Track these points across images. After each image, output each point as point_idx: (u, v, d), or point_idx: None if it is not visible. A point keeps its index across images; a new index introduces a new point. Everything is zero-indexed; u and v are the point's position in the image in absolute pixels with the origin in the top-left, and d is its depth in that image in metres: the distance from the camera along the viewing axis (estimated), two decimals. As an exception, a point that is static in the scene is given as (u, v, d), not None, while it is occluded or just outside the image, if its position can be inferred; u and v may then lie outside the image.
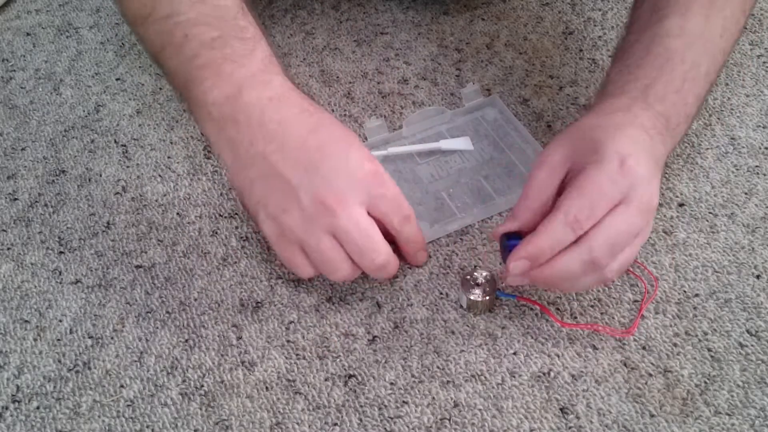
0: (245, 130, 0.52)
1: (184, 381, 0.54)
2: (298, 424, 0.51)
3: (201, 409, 0.53)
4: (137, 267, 0.61)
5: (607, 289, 0.58)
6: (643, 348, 0.54)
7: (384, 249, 0.52)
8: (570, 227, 0.47)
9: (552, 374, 0.53)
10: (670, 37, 0.55)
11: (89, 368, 0.55)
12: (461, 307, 0.57)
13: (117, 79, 0.78)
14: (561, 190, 0.51)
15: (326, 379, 0.54)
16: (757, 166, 0.66)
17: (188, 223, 0.64)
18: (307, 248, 0.52)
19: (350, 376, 0.54)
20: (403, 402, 0.52)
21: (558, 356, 0.54)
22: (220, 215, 0.64)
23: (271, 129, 0.51)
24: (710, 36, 0.57)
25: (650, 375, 0.53)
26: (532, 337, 0.55)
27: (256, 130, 0.52)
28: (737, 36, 0.60)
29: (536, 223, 0.50)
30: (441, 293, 0.58)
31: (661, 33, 0.56)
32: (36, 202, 0.66)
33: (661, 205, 0.63)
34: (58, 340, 0.57)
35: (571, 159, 0.51)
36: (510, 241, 0.51)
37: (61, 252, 0.62)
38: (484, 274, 0.57)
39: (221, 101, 0.52)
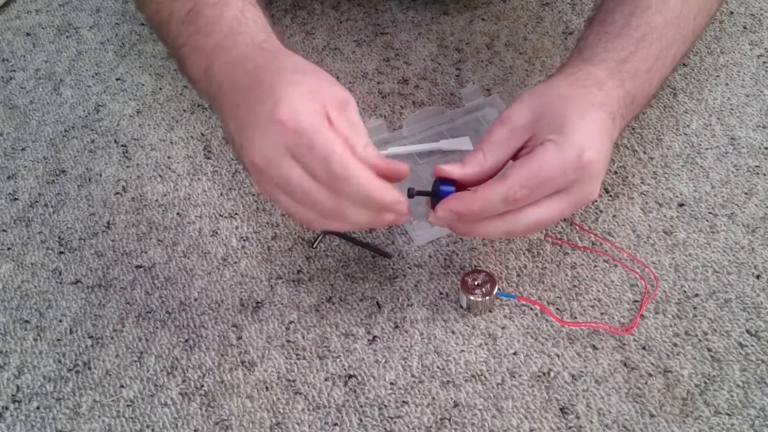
0: (218, 104, 0.52)
1: (184, 381, 0.54)
2: (298, 424, 0.51)
3: (201, 409, 0.53)
4: (137, 267, 0.61)
5: (607, 289, 0.58)
6: (643, 348, 0.54)
7: (328, 197, 0.46)
8: (507, 203, 0.47)
9: (552, 374, 0.53)
10: (651, 10, 0.55)
11: (89, 368, 0.55)
12: (461, 307, 0.57)
13: (117, 79, 0.78)
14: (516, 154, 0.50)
15: (326, 379, 0.54)
16: (757, 166, 0.66)
17: (188, 223, 0.64)
18: (281, 207, 0.49)
19: (350, 376, 0.54)
20: (403, 402, 0.52)
21: (558, 356, 0.54)
22: (220, 215, 0.64)
23: (226, 94, 0.50)
24: (686, 16, 0.57)
25: (650, 375, 0.53)
26: (532, 337, 0.55)
27: (220, 100, 0.51)
28: (708, 22, 0.60)
29: (480, 181, 0.49)
30: (441, 293, 0.58)
31: (643, 5, 0.55)
32: (36, 202, 0.66)
33: (660, 205, 0.63)
34: (58, 340, 0.57)
35: (534, 127, 0.49)
36: (443, 186, 0.50)
37: (61, 252, 0.62)
38: (484, 274, 0.57)
39: (202, 77, 0.52)
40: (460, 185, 0.50)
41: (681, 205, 0.63)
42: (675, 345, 0.54)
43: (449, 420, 0.51)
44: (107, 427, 0.52)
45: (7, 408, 0.53)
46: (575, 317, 0.56)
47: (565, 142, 0.47)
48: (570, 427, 0.51)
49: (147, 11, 0.58)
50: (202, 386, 0.54)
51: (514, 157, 0.51)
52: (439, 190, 0.50)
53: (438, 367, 0.54)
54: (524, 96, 0.51)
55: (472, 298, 0.55)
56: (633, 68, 0.54)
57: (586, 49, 0.55)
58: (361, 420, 0.51)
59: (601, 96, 0.51)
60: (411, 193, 0.50)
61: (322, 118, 0.46)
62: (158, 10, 0.55)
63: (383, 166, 0.47)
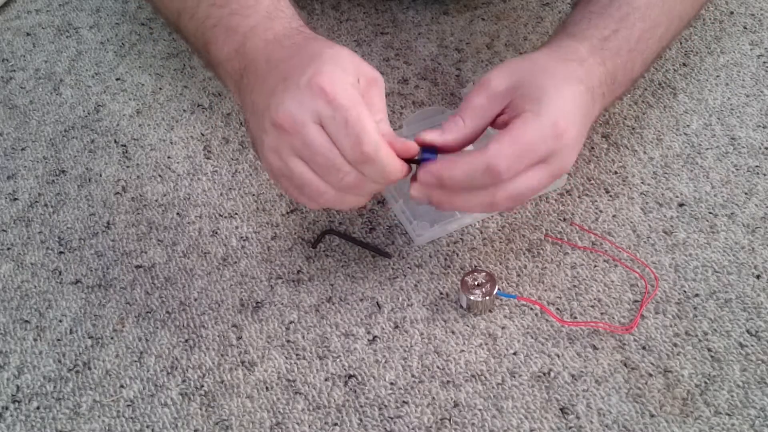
0: (247, 79, 0.52)
1: (184, 381, 0.54)
2: (298, 424, 0.51)
3: (201, 409, 0.53)
4: (137, 267, 0.61)
5: (607, 289, 0.58)
6: (643, 348, 0.54)
7: (349, 168, 0.47)
8: (491, 175, 0.47)
9: (552, 374, 0.53)
10: None
11: (89, 368, 0.55)
12: (461, 307, 0.57)
13: (117, 79, 0.78)
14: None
15: (326, 379, 0.54)
16: (757, 166, 0.66)
17: (188, 223, 0.64)
18: (289, 179, 0.49)
19: (350, 376, 0.54)
20: (403, 402, 0.52)
21: (558, 356, 0.54)
22: (220, 215, 0.64)
23: (259, 68, 0.51)
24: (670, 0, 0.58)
25: (650, 375, 0.53)
26: (532, 337, 0.55)
27: (251, 75, 0.51)
28: (698, 6, 0.61)
29: (460, 146, 0.50)
30: (441, 293, 0.58)
31: None
32: (36, 202, 0.66)
33: (660, 205, 0.63)
34: (58, 340, 0.57)
35: (512, 94, 0.49)
36: (425, 153, 0.49)
37: (61, 252, 0.62)
38: (484, 274, 0.57)
39: (232, 55, 0.53)
40: (442, 152, 0.50)
41: (681, 205, 0.63)
42: (675, 345, 0.54)
43: (449, 420, 0.51)
44: (107, 427, 0.52)
45: (7, 408, 0.53)
46: (575, 317, 0.56)
47: (542, 112, 0.48)
48: (570, 427, 0.50)
49: None
50: (202, 386, 0.54)
51: (492, 123, 0.51)
52: (422, 156, 0.49)
53: (438, 367, 0.54)
54: (504, 64, 0.52)
55: (472, 298, 0.55)
56: (615, 47, 0.54)
57: (571, 25, 0.56)
58: (361, 420, 0.51)
59: (581, 71, 0.51)
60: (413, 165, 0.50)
61: (358, 93, 0.46)
62: None
63: (397, 145, 0.48)
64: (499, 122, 0.51)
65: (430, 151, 0.50)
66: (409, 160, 0.49)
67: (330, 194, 0.48)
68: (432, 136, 0.49)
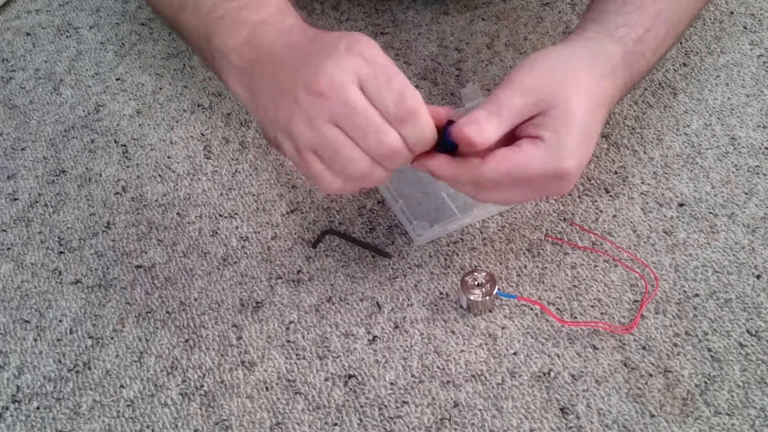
0: (261, 66, 0.51)
1: (184, 381, 0.54)
2: (298, 424, 0.51)
3: (201, 409, 0.53)
4: (137, 267, 0.61)
5: (607, 289, 0.58)
6: (643, 348, 0.54)
7: (390, 130, 0.46)
8: (476, 187, 0.49)
9: (552, 374, 0.53)
10: None
11: (89, 368, 0.55)
12: (461, 307, 0.57)
13: (117, 79, 0.78)
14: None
15: (326, 379, 0.54)
16: (757, 166, 0.66)
17: (188, 223, 0.64)
18: (320, 150, 0.47)
19: (350, 376, 0.54)
20: (403, 402, 0.52)
21: (558, 356, 0.54)
22: (220, 215, 0.64)
23: (277, 54, 0.51)
24: None
25: (650, 375, 0.53)
26: (532, 337, 0.55)
27: (267, 63, 0.51)
28: (700, 9, 0.61)
29: (491, 140, 0.48)
30: (441, 293, 0.58)
31: None
32: (36, 202, 0.66)
33: (660, 205, 0.63)
34: (58, 340, 0.57)
35: (541, 109, 0.49)
36: (447, 138, 0.48)
37: (61, 252, 0.62)
38: (484, 274, 0.57)
39: (240, 45, 0.53)
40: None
41: (681, 205, 0.63)
42: (675, 345, 0.54)
43: (449, 420, 0.51)
44: (107, 427, 0.52)
45: (7, 408, 0.53)
46: (575, 317, 0.56)
47: (556, 149, 0.48)
48: (570, 427, 0.50)
49: None
50: (202, 386, 0.54)
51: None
52: (444, 141, 0.49)
53: (438, 367, 0.54)
54: (544, 65, 0.50)
55: (472, 298, 0.55)
56: (644, 48, 0.54)
57: (606, 16, 0.54)
58: (361, 420, 0.51)
59: (610, 89, 0.51)
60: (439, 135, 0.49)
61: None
62: None
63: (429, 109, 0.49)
64: (520, 129, 0.50)
65: (450, 138, 0.49)
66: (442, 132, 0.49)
67: (362, 163, 0.47)
68: (474, 134, 0.48)
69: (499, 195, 0.50)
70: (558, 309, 0.57)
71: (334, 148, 0.47)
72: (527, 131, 0.49)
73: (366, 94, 0.46)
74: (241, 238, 0.63)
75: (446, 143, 0.49)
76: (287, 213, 0.64)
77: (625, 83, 0.53)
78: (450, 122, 0.49)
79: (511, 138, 0.50)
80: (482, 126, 0.48)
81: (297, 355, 0.55)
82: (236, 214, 0.64)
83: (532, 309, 0.57)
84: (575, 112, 0.49)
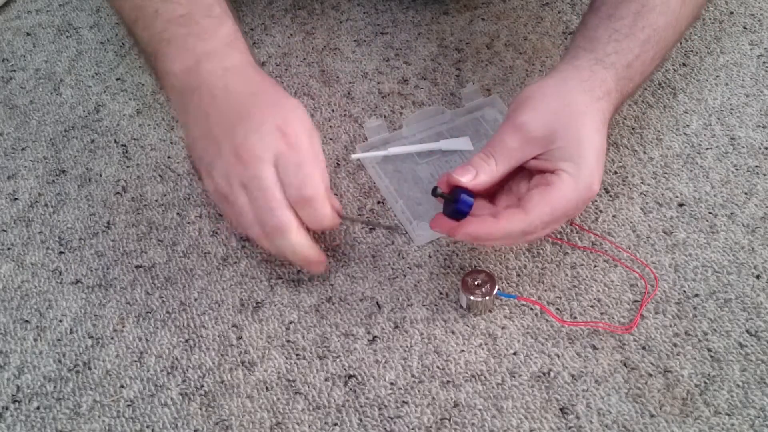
0: (198, 98, 0.54)
1: (184, 381, 0.54)
2: (298, 424, 0.52)
3: (201, 409, 0.53)
4: (137, 267, 0.61)
5: (607, 289, 0.58)
6: (643, 348, 0.54)
7: (284, 213, 0.51)
8: (526, 234, 0.50)
9: (552, 374, 0.53)
10: (656, 12, 0.56)
11: (89, 368, 0.55)
12: (461, 307, 0.57)
13: (117, 79, 0.78)
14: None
15: (326, 379, 0.54)
16: (757, 166, 0.66)
17: (188, 223, 0.64)
18: (228, 202, 0.52)
19: (350, 376, 0.54)
20: (403, 402, 0.52)
21: (558, 356, 0.54)
22: (220, 215, 0.64)
23: (217, 93, 0.53)
24: (684, 15, 0.58)
25: (650, 375, 0.53)
26: (532, 337, 0.55)
27: (205, 96, 0.53)
28: (691, 23, 0.62)
29: (489, 188, 0.51)
30: (441, 293, 0.58)
31: (649, 5, 0.56)
32: (36, 202, 0.66)
33: (660, 205, 0.63)
34: (58, 340, 0.57)
35: (549, 144, 0.50)
36: (463, 196, 0.50)
37: (61, 252, 0.62)
38: (484, 274, 0.57)
39: (182, 72, 0.54)
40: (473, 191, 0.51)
41: (681, 205, 0.63)
42: (675, 345, 0.54)
43: (449, 420, 0.51)
44: (107, 427, 0.52)
45: (7, 408, 0.53)
46: (575, 317, 0.56)
47: (581, 175, 0.50)
48: (570, 427, 0.51)
49: (125, 0, 0.59)
50: (202, 386, 0.54)
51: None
52: (460, 197, 0.50)
53: (438, 367, 0.54)
54: (538, 100, 0.51)
55: (472, 298, 0.55)
56: (632, 73, 0.55)
57: (597, 43, 0.55)
58: (361, 420, 0.52)
59: (607, 109, 0.53)
60: (435, 193, 0.51)
61: (316, 146, 0.52)
62: (141, 5, 0.57)
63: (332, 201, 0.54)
64: (530, 165, 0.51)
65: (465, 191, 0.50)
66: (446, 196, 0.51)
67: (255, 230, 0.52)
68: (466, 179, 0.51)
69: (538, 235, 0.51)
70: (558, 309, 0.57)
71: (238, 208, 0.52)
72: (542, 166, 0.51)
73: (278, 172, 0.50)
74: (241, 238, 0.63)
75: (458, 209, 0.50)
76: (287, 213, 0.64)
77: (618, 103, 0.55)
78: (459, 188, 0.51)
79: (525, 175, 0.52)
80: (477, 171, 0.51)
81: (297, 355, 0.55)
82: (236, 214, 0.64)
83: (532, 309, 0.57)
84: (582, 136, 0.50)
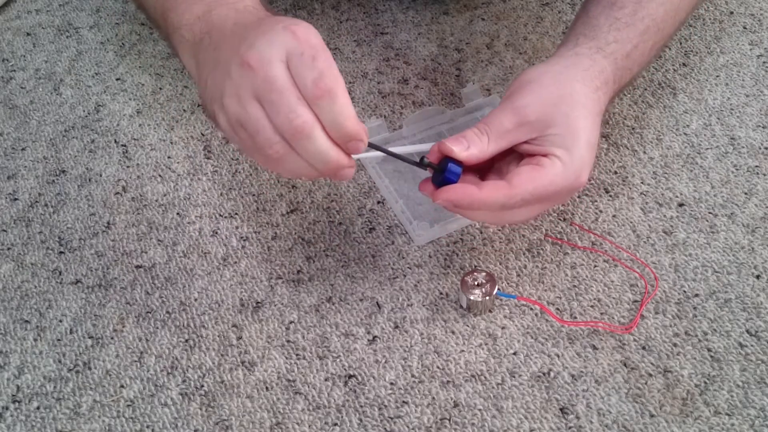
0: (209, 39, 0.52)
1: (184, 381, 0.54)
2: (298, 424, 0.52)
3: (201, 409, 0.53)
4: (137, 267, 0.61)
5: (607, 289, 0.58)
6: (643, 348, 0.54)
7: (305, 111, 0.45)
8: (504, 209, 0.49)
9: (552, 374, 0.53)
10: (656, 3, 0.56)
11: (89, 368, 0.55)
12: (461, 307, 0.57)
13: (117, 79, 0.78)
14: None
15: (326, 379, 0.54)
16: (757, 166, 0.66)
17: (188, 223, 0.64)
18: (245, 126, 0.47)
19: (350, 376, 0.54)
20: (403, 402, 0.52)
21: (558, 356, 0.54)
22: (220, 215, 0.64)
23: (227, 29, 0.51)
24: (683, 7, 0.59)
25: (650, 375, 0.53)
26: (532, 337, 0.55)
27: (215, 35, 0.52)
28: (689, 14, 0.62)
29: (478, 163, 0.50)
30: (441, 293, 0.58)
31: None
32: (36, 202, 0.66)
33: (660, 205, 0.63)
34: (58, 340, 0.57)
35: (544, 130, 0.50)
36: (451, 164, 0.49)
37: (61, 252, 0.62)
38: (484, 274, 0.57)
39: (193, 21, 0.53)
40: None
41: (681, 205, 0.63)
42: (675, 345, 0.54)
43: (449, 420, 0.51)
44: (107, 427, 0.52)
45: (7, 408, 0.53)
46: (575, 317, 0.56)
47: (572, 163, 0.49)
48: (570, 427, 0.51)
49: None
50: (202, 386, 0.54)
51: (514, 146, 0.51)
52: (447, 166, 0.50)
53: (438, 367, 0.54)
54: (537, 85, 0.51)
55: (472, 298, 0.55)
56: (631, 63, 0.55)
57: (598, 31, 0.55)
58: (361, 420, 0.52)
59: (603, 100, 0.52)
60: (423, 163, 0.50)
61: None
62: None
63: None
64: (522, 148, 0.51)
65: (454, 161, 0.50)
66: (433, 167, 0.50)
67: (278, 145, 0.46)
68: (458, 150, 0.50)
69: (520, 215, 0.51)
70: (558, 309, 0.57)
71: (254, 125, 0.46)
72: (534, 150, 0.50)
73: (290, 71, 0.45)
74: (241, 238, 0.63)
75: (446, 178, 0.50)
76: (287, 213, 0.64)
77: (614, 94, 0.55)
78: (448, 158, 0.50)
79: (515, 157, 0.52)
80: (469, 144, 0.50)
81: (297, 355, 0.55)
82: (236, 214, 0.64)
83: (532, 309, 0.57)
84: (578, 126, 0.50)
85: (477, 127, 0.51)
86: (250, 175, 0.68)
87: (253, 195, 0.66)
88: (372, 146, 0.49)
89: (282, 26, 0.46)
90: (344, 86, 0.45)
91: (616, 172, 0.66)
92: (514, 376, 0.53)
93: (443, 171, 0.49)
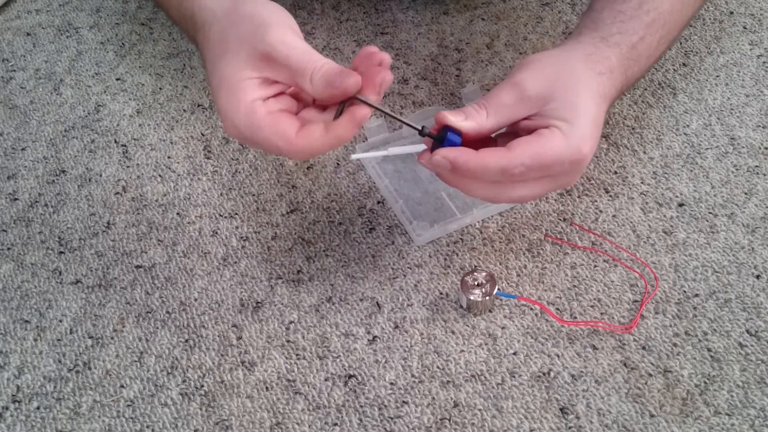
0: (204, 36, 0.52)
1: (184, 381, 0.54)
2: (298, 424, 0.52)
3: (201, 409, 0.53)
4: (137, 267, 0.61)
5: (607, 289, 0.58)
6: (643, 348, 0.54)
7: (290, 145, 0.47)
8: (503, 175, 0.48)
9: (552, 374, 0.53)
10: None
11: (89, 368, 0.55)
12: (461, 307, 0.57)
13: (117, 79, 0.78)
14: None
15: (326, 379, 0.54)
16: (757, 166, 0.66)
17: (188, 223, 0.64)
18: (245, 141, 0.50)
19: (350, 376, 0.54)
20: (403, 402, 0.52)
21: (558, 356, 0.54)
22: (220, 215, 0.64)
23: (210, 33, 0.51)
24: (687, 3, 0.59)
25: (650, 375, 0.53)
26: (532, 337, 0.55)
27: (204, 37, 0.52)
28: (697, 10, 0.62)
29: (477, 137, 0.50)
30: (441, 293, 0.58)
31: None
32: (36, 202, 0.66)
33: (660, 205, 0.63)
34: (58, 340, 0.57)
35: (544, 104, 0.49)
36: (451, 133, 0.49)
37: (61, 252, 0.62)
38: (484, 274, 0.57)
39: (194, 11, 0.53)
40: (464, 138, 0.50)
41: (681, 205, 0.63)
42: (675, 345, 0.54)
43: (449, 420, 0.51)
44: (107, 427, 0.52)
45: (7, 408, 0.53)
46: (575, 317, 0.56)
47: (572, 134, 0.48)
48: (570, 427, 0.51)
49: None
50: (202, 386, 0.54)
51: (514, 124, 0.51)
52: (446, 135, 0.49)
53: (438, 367, 0.54)
54: (539, 64, 0.51)
55: (472, 298, 0.55)
56: (637, 55, 0.55)
57: (601, 24, 0.55)
58: (361, 420, 0.52)
59: (608, 86, 0.52)
60: (423, 132, 0.50)
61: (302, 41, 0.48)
62: None
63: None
64: (521, 125, 0.51)
65: (454, 132, 0.49)
66: (432, 136, 0.50)
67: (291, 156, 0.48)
68: (454, 119, 0.49)
69: (522, 190, 0.50)
70: (558, 309, 0.57)
71: (257, 146, 0.49)
72: (534, 125, 0.50)
73: (263, 82, 0.48)
74: (241, 238, 0.63)
75: (449, 138, 0.49)
76: (287, 213, 0.64)
77: (622, 85, 0.54)
78: (447, 128, 0.49)
79: (514, 135, 0.50)
80: (468, 116, 0.49)
81: (297, 355, 0.55)
82: (236, 214, 0.64)
83: (532, 309, 0.57)
84: (578, 101, 0.50)
85: (476, 103, 0.51)
86: (250, 175, 0.68)
87: (253, 195, 0.66)
88: (374, 107, 0.49)
89: (253, 50, 0.47)
90: (308, 58, 0.47)
91: (616, 172, 0.66)
92: (514, 376, 0.53)
93: (442, 140, 0.49)
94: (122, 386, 0.54)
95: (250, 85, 0.48)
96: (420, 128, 0.50)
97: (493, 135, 0.52)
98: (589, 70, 0.52)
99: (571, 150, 0.48)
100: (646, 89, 0.73)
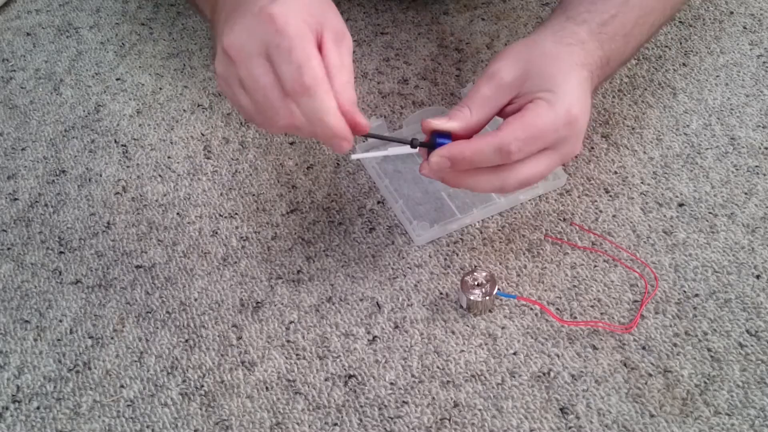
0: (219, 6, 0.52)
1: (184, 381, 0.54)
2: (298, 424, 0.52)
3: (201, 409, 0.53)
4: (137, 267, 0.61)
5: (607, 289, 0.58)
6: (643, 348, 0.54)
7: (283, 110, 0.46)
8: (501, 155, 0.48)
9: (552, 374, 0.53)
10: None
11: (89, 368, 0.55)
12: (461, 307, 0.57)
13: (117, 79, 0.78)
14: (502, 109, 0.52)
15: (326, 379, 0.54)
16: (757, 166, 0.66)
17: (188, 223, 0.64)
18: (237, 104, 0.49)
19: (350, 376, 0.54)
20: (403, 402, 0.52)
21: (558, 356, 0.54)
22: (220, 215, 0.64)
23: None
24: None
25: (650, 375, 0.53)
26: (532, 337, 0.55)
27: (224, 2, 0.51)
28: None
29: (467, 135, 0.51)
30: (441, 293, 0.58)
31: None
32: (36, 202, 0.66)
33: (660, 205, 0.63)
34: (58, 340, 0.57)
35: (521, 85, 0.51)
36: (440, 138, 0.50)
37: (61, 252, 0.62)
38: (484, 274, 0.57)
39: None
40: (454, 139, 0.51)
41: (681, 205, 0.63)
42: (675, 345, 0.54)
43: (449, 420, 0.51)
44: (107, 427, 0.52)
45: (7, 408, 0.53)
46: (575, 317, 0.56)
47: (556, 100, 0.49)
48: (570, 427, 0.51)
49: None
50: (202, 386, 0.54)
51: (500, 114, 0.52)
52: (436, 141, 0.50)
53: (438, 367, 0.54)
54: (510, 52, 0.52)
55: (472, 298, 0.55)
56: (612, 31, 0.55)
57: (569, 6, 0.56)
58: (361, 420, 0.52)
59: (582, 55, 0.53)
60: (414, 143, 0.51)
61: (311, 34, 0.46)
62: None
63: (350, 111, 0.46)
64: (507, 111, 0.51)
65: (443, 136, 0.50)
66: (423, 144, 0.51)
67: (273, 129, 0.48)
68: (439, 123, 0.50)
69: (526, 170, 0.50)
70: (558, 309, 0.57)
71: (246, 112, 0.48)
72: (519, 105, 0.50)
73: (271, 63, 0.45)
74: (241, 238, 0.63)
75: (438, 142, 0.50)
76: (287, 213, 0.64)
77: (600, 59, 0.54)
78: (436, 133, 0.50)
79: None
80: (452, 117, 0.50)
81: (297, 355, 0.55)
82: (236, 214, 0.64)
83: (532, 309, 0.57)
84: (555, 71, 0.50)
85: (458, 104, 0.51)
86: (250, 175, 0.68)
87: (253, 195, 0.66)
88: (369, 135, 0.50)
89: (260, 10, 0.45)
90: (324, 78, 0.45)
91: (616, 172, 0.66)
92: (514, 376, 0.53)
93: (433, 146, 0.50)
94: (122, 386, 0.54)
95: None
96: (410, 141, 0.51)
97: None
98: (557, 44, 0.53)
99: (560, 114, 0.49)
100: (646, 89, 0.73)
